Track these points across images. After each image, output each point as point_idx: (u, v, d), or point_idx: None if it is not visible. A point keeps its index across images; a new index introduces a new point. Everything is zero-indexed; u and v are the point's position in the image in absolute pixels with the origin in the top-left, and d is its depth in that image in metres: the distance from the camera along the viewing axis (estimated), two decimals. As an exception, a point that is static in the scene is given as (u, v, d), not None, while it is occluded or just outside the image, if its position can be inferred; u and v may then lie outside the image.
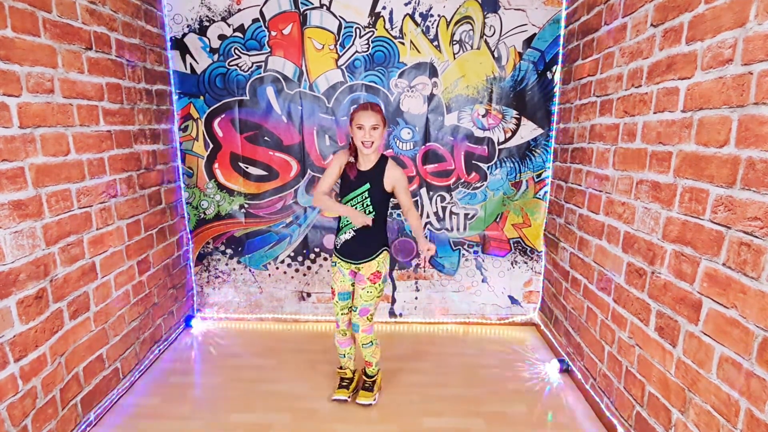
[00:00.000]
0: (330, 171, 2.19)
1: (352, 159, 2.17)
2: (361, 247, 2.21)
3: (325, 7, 2.88)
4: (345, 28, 2.91)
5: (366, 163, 2.16)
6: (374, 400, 2.38)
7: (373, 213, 2.16)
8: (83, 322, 2.13)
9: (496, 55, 2.95)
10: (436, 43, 2.94)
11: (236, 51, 2.95)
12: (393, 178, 2.15)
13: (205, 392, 2.51)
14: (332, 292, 2.33)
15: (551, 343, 3.01)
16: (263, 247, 3.28)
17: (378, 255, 2.22)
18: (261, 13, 2.90)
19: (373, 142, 2.06)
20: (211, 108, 3.04)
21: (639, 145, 1.96)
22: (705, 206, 1.53)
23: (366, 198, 2.15)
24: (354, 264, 2.24)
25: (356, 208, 2.15)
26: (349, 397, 2.41)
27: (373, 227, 2.16)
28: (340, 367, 2.48)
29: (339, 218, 2.26)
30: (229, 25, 2.91)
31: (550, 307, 3.09)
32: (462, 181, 3.16)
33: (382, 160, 2.17)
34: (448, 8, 2.88)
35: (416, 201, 3.19)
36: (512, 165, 3.12)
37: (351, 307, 2.33)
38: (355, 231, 2.18)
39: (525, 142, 3.08)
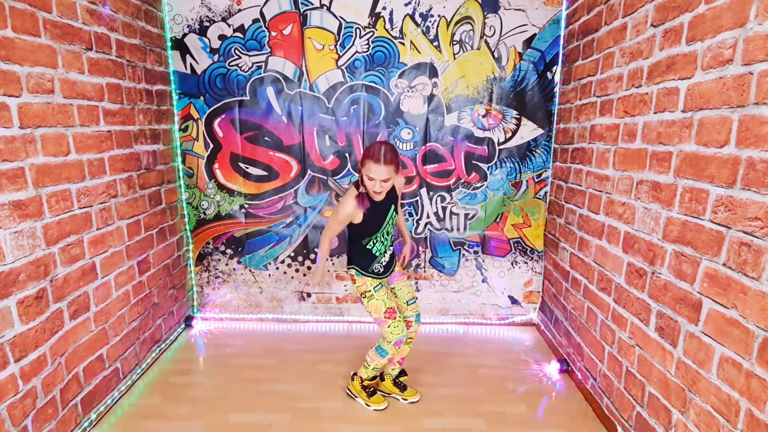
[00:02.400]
0: (337, 226, 2.15)
1: (367, 205, 2.07)
2: (392, 260, 2.31)
3: (325, 8, 2.88)
4: (345, 28, 2.91)
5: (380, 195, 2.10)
6: (420, 396, 2.45)
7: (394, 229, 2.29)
8: (83, 322, 2.13)
9: (496, 56, 2.95)
10: (436, 43, 2.94)
11: (236, 51, 2.95)
12: (399, 184, 2.29)
13: (205, 392, 2.51)
14: (392, 312, 2.19)
15: (551, 343, 3.01)
16: (263, 247, 3.28)
17: (395, 255, 2.37)
18: (261, 13, 2.90)
19: (381, 193, 2.03)
20: (212, 108, 3.04)
21: (639, 145, 1.96)
22: (705, 206, 1.53)
23: (394, 215, 2.22)
24: (391, 271, 2.32)
25: (388, 230, 2.21)
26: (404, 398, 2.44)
27: (392, 243, 2.30)
28: (374, 378, 2.40)
29: (367, 251, 2.18)
30: (229, 26, 2.92)
31: (550, 308, 3.09)
32: (462, 181, 3.16)
33: None
34: (448, 8, 2.88)
35: (416, 201, 3.19)
36: (512, 165, 3.12)
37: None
38: (389, 251, 2.26)
39: (525, 142, 3.08)
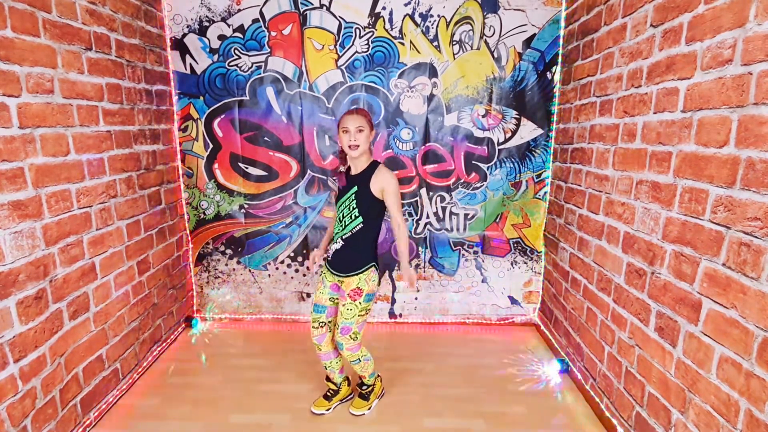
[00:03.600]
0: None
1: (341, 169, 2.17)
2: (348, 258, 2.13)
3: (324, 8, 2.88)
4: (345, 28, 2.91)
5: (356, 168, 2.13)
6: (368, 409, 2.33)
7: (360, 219, 2.08)
8: (83, 322, 2.13)
9: (495, 56, 2.95)
10: (435, 43, 2.94)
11: (236, 51, 2.95)
12: (381, 181, 2.06)
13: (205, 392, 2.51)
14: (314, 303, 2.25)
15: (551, 343, 3.01)
16: (263, 247, 3.28)
17: (362, 271, 2.12)
18: (261, 13, 2.90)
19: (359, 146, 2.03)
20: (211, 108, 3.04)
21: (639, 145, 1.96)
22: (705, 206, 1.53)
23: (353, 201, 2.08)
24: (338, 276, 2.17)
25: (344, 213, 2.11)
26: (328, 409, 2.33)
27: (361, 239, 2.10)
28: (327, 378, 2.39)
29: (334, 227, 2.20)
30: (228, 26, 2.91)
31: (549, 308, 3.09)
32: (462, 181, 3.16)
33: (373, 165, 2.12)
34: (448, 8, 2.88)
35: (416, 201, 3.19)
36: (512, 165, 3.13)
37: (325, 322, 2.25)
38: (344, 240, 2.13)
39: (525, 142, 3.08)
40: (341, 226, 2.14)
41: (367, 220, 2.10)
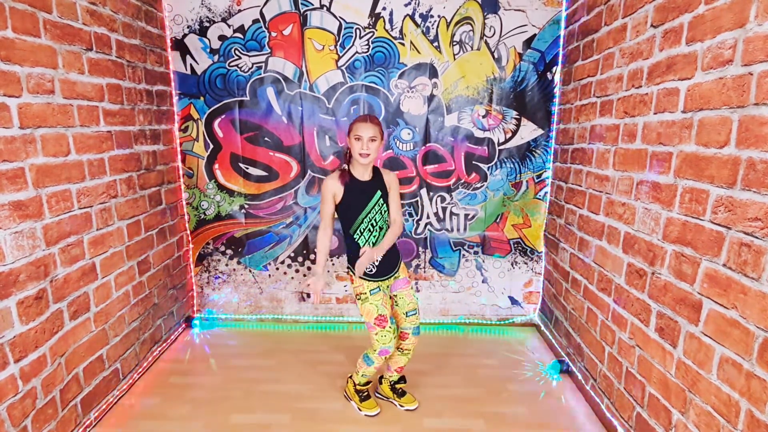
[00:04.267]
0: (324, 207, 2.13)
1: (345, 166, 2.13)
2: (392, 257, 2.20)
3: (325, 8, 2.89)
4: (345, 28, 2.91)
5: (364, 174, 2.12)
6: (418, 403, 2.39)
7: (387, 221, 2.18)
8: (83, 322, 2.13)
9: (496, 56, 2.95)
10: (436, 43, 2.94)
11: (236, 52, 2.95)
12: (390, 180, 2.18)
13: (205, 393, 2.51)
14: (382, 320, 2.13)
15: (551, 343, 3.01)
16: (263, 247, 3.28)
17: (401, 259, 2.28)
18: (261, 13, 2.90)
19: (369, 154, 2.04)
20: (212, 109, 3.04)
21: (639, 145, 1.96)
22: (705, 207, 1.53)
23: (383, 206, 2.14)
24: (392, 276, 2.22)
25: (376, 219, 2.13)
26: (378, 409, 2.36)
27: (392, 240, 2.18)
28: (367, 383, 2.38)
29: (356, 244, 2.15)
30: (229, 26, 2.92)
31: (550, 308, 3.09)
32: (462, 181, 3.16)
33: (376, 169, 2.19)
34: (448, 9, 2.88)
35: (416, 201, 3.19)
36: (512, 165, 3.13)
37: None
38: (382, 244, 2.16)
39: (525, 142, 3.08)
40: (377, 233, 2.14)
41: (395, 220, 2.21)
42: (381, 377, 2.47)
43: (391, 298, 2.25)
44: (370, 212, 2.12)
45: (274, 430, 2.21)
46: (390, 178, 2.18)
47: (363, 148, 2.03)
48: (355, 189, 2.10)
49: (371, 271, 2.15)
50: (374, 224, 2.13)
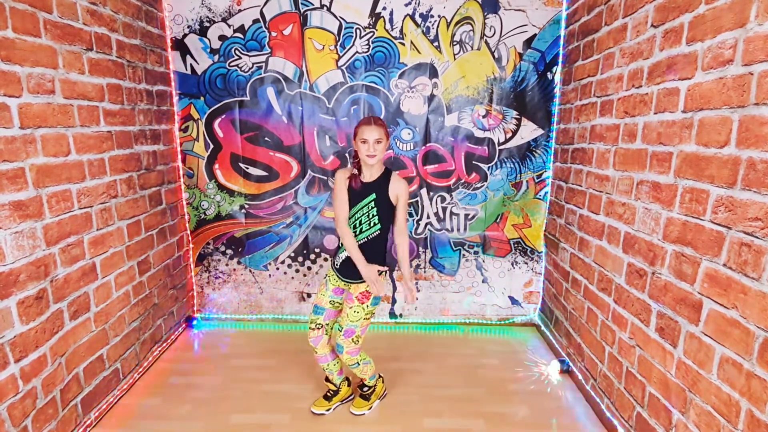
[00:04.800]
0: (339, 195, 2.12)
1: (355, 171, 2.12)
2: (355, 269, 2.13)
3: (325, 8, 2.89)
4: (345, 28, 2.91)
5: (371, 175, 2.12)
6: (369, 409, 2.34)
7: (379, 226, 2.11)
8: (83, 322, 2.13)
9: (496, 56, 2.95)
10: (436, 43, 2.94)
11: (236, 52, 2.95)
12: (398, 189, 2.11)
13: (205, 393, 2.51)
14: (315, 304, 2.25)
15: (552, 343, 3.01)
16: (263, 247, 3.28)
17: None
18: (261, 13, 2.90)
19: (375, 155, 2.05)
20: (212, 108, 3.04)
21: (639, 145, 1.96)
22: (705, 207, 1.53)
23: (372, 208, 2.10)
24: (346, 282, 2.19)
25: (362, 220, 2.11)
26: (328, 410, 2.33)
27: (375, 245, 2.13)
28: (326, 379, 2.39)
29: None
30: (229, 26, 2.92)
31: (550, 308, 3.09)
32: (462, 181, 3.16)
33: (387, 172, 2.15)
34: (449, 9, 2.88)
35: (416, 201, 3.19)
36: (512, 165, 3.12)
37: (322, 324, 2.24)
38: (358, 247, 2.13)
39: (525, 142, 3.08)
40: (357, 234, 2.13)
41: (384, 227, 2.14)
42: (326, 379, 2.41)
43: (331, 303, 2.24)
44: (356, 213, 2.12)
45: (274, 430, 2.21)
46: (400, 187, 2.11)
47: (370, 150, 2.04)
48: (355, 186, 2.12)
49: (337, 264, 2.22)
50: (357, 225, 2.13)
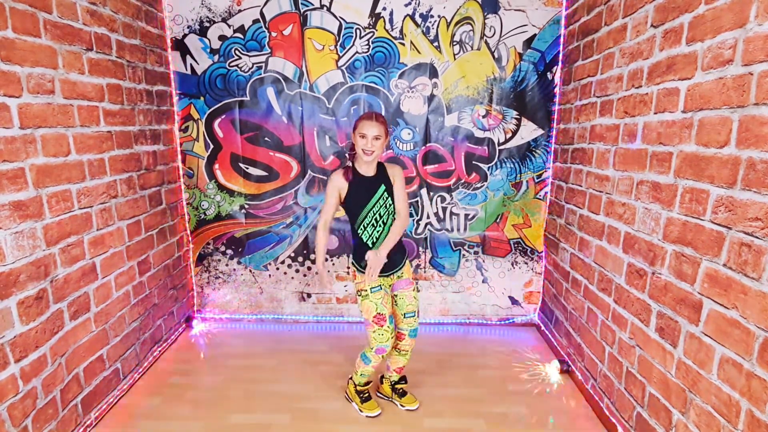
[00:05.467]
0: (328, 200, 2.14)
1: (349, 164, 2.14)
2: (397, 252, 2.18)
3: (325, 8, 2.89)
4: (345, 28, 2.91)
5: (368, 170, 2.13)
6: (419, 404, 2.38)
7: (394, 214, 2.14)
8: (84, 322, 2.13)
9: (496, 56, 2.95)
10: (436, 43, 2.94)
11: (236, 52, 2.95)
12: (394, 173, 2.16)
13: (205, 393, 2.51)
14: (380, 318, 2.12)
15: (552, 343, 3.01)
16: (263, 247, 3.28)
17: (407, 257, 2.27)
18: (261, 13, 2.90)
19: (374, 152, 2.05)
20: (212, 109, 3.04)
21: (639, 145, 1.96)
22: (705, 207, 1.53)
23: (387, 198, 2.12)
24: (395, 273, 2.20)
25: (381, 213, 2.12)
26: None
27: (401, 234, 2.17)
28: (367, 383, 2.38)
29: (360, 239, 2.15)
30: (229, 26, 2.92)
31: (550, 308, 3.08)
32: (462, 181, 3.16)
33: (381, 164, 2.17)
34: (449, 9, 2.88)
35: (416, 201, 3.19)
36: (512, 165, 3.12)
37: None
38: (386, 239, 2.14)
39: (525, 142, 3.08)
40: (381, 227, 2.13)
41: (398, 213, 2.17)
42: (382, 377, 2.47)
43: (392, 297, 2.23)
44: (373, 207, 2.11)
45: (274, 430, 2.21)
46: (394, 171, 2.16)
47: (367, 146, 2.03)
48: (359, 184, 2.11)
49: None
50: (378, 219, 2.12)
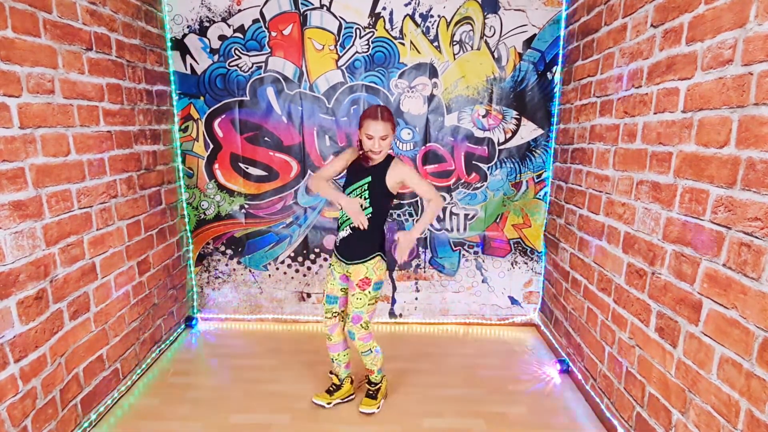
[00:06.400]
0: (335, 162, 2.21)
1: (360, 153, 2.16)
2: (355, 246, 2.17)
3: (325, 8, 2.88)
4: (345, 28, 2.91)
5: (373, 161, 2.15)
6: (377, 408, 2.33)
7: (369, 209, 2.12)
8: (83, 322, 2.13)
9: (496, 56, 2.95)
10: (436, 43, 2.94)
11: (236, 51, 2.95)
12: (399, 174, 2.12)
13: (205, 393, 2.50)
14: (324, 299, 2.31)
15: (551, 343, 3.01)
16: (263, 247, 3.28)
17: (369, 259, 2.16)
18: (261, 13, 2.90)
19: (381, 151, 2.06)
20: (212, 108, 3.04)
21: (639, 145, 1.96)
22: (705, 207, 1.53)
23: (365, 191, 2.12)
24: (346, 265, 2.21)
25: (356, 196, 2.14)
26: (329, 403, 2.35)
27: (369, 228, 2.11)
28: (331, 371, 2.44)
29: (340, 216, 2.23)
30: (229, 26, 2.92)
31: (550, 308, 3.09)
32: (462, 181, 3.16)
33: (388, 158, 2.16)
34: (448, 9, 2.88)
35: (416, 201, 3.19)
36: (512, 165, 3.13)
37: (338, 312, 2.32)
38: (351, 229, 2.15)
39: (525, 142, 3.08)
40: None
41: (376, 211, 2.15)
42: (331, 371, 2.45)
43: (342, 290, 2.30)
44: (355, 190, 2.15)
45: (274, 430, 2.20)
46: (401, 171, 2.12)
47: (375, 147, 2.06)
48: (356, 166, 2.18)
49: (336, 243, 2.25)
50: None
